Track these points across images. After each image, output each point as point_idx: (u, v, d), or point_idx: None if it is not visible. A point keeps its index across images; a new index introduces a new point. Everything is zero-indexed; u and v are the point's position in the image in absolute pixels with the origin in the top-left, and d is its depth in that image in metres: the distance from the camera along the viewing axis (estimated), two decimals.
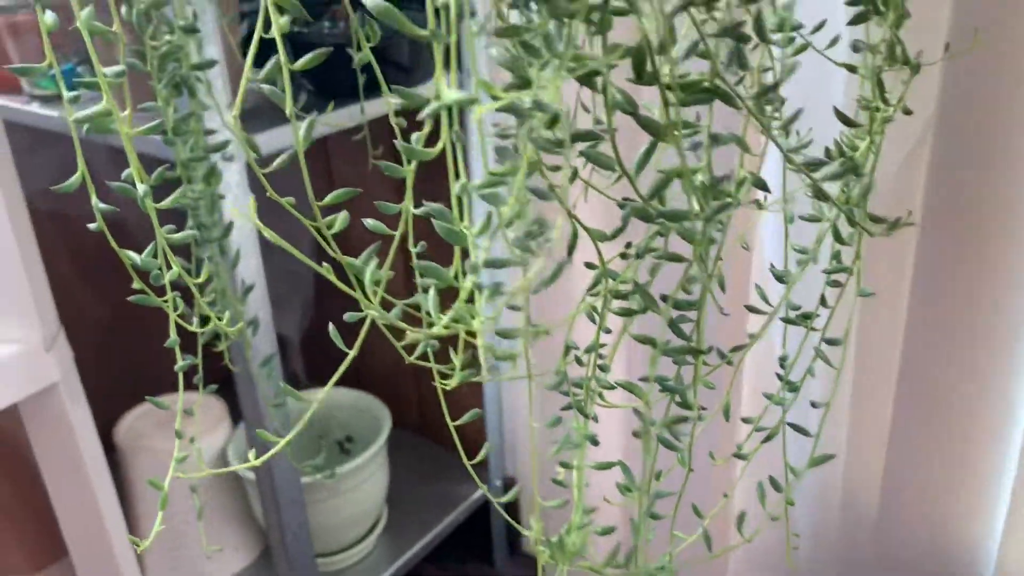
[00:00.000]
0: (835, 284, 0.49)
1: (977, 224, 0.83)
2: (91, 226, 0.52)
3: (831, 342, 0.49)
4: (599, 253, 0.42)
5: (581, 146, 0.39)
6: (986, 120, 0.79)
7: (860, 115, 0.47)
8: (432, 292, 0.32)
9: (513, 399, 1.37)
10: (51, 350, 0.94)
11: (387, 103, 0.49)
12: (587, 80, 0.36)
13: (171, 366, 0.58)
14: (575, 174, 0.40)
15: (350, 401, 1.35)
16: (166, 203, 0.45)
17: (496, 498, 1.26)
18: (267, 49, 0.37)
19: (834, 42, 0.48)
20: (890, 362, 0.95)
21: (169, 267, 0.52)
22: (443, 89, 0.29)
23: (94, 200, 0.51)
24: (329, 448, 1.37)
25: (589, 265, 0.43)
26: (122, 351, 1.32)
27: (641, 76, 0.35)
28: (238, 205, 0.86)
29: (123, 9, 0.68)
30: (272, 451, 0.41)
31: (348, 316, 0.35)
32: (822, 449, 0.54)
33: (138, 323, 1.07)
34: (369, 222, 0.38)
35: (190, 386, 0.64)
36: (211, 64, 0.68)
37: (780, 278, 0.48)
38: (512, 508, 1.41)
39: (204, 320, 0.59)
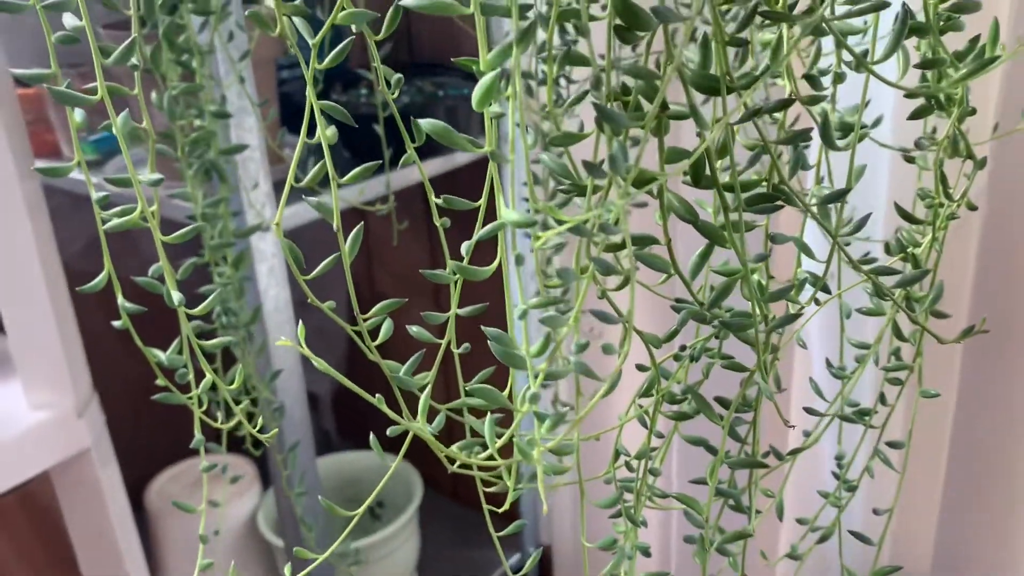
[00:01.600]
0: (895, 382, 0.46)
1: None
2: (116, 324, 0.51)
3: (893, 445, 0.47)
4: (651, 356, 0.40)
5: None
6: None
7: (919, 208, 0.45)
8: (489, 420, 0.30)
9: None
10: (83, 416, 0.93)
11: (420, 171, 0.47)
12: (642, 185, 0.34)
13: (204, 427, 0.57)
14: (627, 279, 0.38)
15: (381, 465, 1.33)
16: (200, 309, 0.43)
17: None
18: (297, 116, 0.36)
19: (877, 122, 0.47)
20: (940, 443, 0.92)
21: (196, 363, 0.51)
22: (503, 210, 0.27)
23: (120, 300, 0.50)
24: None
25: (640, 367, 0.41)
26: (155, 411, 1.32)
27: (699, 181, 0.34)
28: (270, 287, 0.86)
29: (153, 95, 0.68)
30: (308, 569, 0.39)
31: (391, 431, 0.34)
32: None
33: (171, 383, 1.06)
34: (413, 330, 0.37)
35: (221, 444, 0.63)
36: (240, 148, 0.67)
37: (838, 375, 0.46)
38: (545, 572, 1.38)
39: (230, 410, 0.58)
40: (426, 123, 0.29)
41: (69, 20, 0.44)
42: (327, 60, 0.33)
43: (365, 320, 0.34)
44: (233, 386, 0.45)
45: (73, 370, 0.92)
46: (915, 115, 0.41)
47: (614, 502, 0.40)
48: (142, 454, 1.13)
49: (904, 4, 0.31)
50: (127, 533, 1.00)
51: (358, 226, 0.32)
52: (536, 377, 0.28)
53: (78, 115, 0.46)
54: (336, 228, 0.31)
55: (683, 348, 0.40)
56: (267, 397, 0.80)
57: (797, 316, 0.36)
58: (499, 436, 0.31)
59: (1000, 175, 0.77)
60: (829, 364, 0.47)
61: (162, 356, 0.50)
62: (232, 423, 0.57)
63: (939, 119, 0.43)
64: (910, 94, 0.41)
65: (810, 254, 0.36)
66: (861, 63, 0.30)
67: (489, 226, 0.29)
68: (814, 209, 0.34)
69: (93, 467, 0.95)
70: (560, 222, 0.26)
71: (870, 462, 0.49)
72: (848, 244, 0.46)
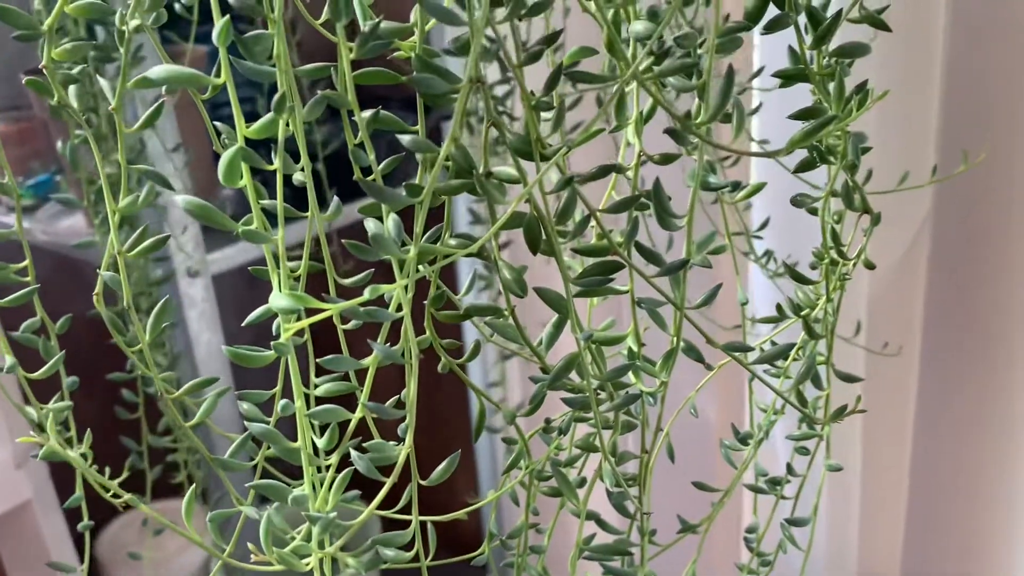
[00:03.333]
0: (803, 452, 0.43)
1: (983, 323, 0.78)
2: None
3: (795, 523, 0.43)
4: (519, 430, 0.37)
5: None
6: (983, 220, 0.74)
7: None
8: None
9: None
10: (22, 467, 0.91)
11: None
12: (479, 255, 0.32)
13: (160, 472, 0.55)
14: (475, 350, 0.36)
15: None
16: (40, 373, 0.41)
17: None
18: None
19: (736, 185, 0.43)
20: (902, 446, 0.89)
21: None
22: (273, 295, 0.25)
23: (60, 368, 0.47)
24: None
25: (507, 441, 0.38)
26: (103, 458, 1.29)
27: (535, 248, 0.31)
28: (201, 332, 0.83)
29: (58, 144, 0.65)
30: None
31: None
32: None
33: (124, 426, 1.04)
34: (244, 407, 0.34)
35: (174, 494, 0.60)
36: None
37: (743, 441, 0.43)
38: None
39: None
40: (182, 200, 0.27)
41: None
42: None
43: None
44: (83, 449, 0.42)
45: (10, 421, 0.90)
46: (800, 168, 0.38)
47: None
48: (94, 502, 1.11)
49: (730, 66, 0.28)
50: None
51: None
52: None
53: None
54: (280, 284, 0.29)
55: (548, 421, 0.37)
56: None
57: (635, 398, 0.33)
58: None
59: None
60: (735, 431, 0.44)
61: (33, 414, 0.47)
62: (120, 478, 0.54)
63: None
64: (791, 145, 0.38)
65: (661, 324, 0.34)
66: (682, 124, 0.27)
67: (257, 311, 0.27)
68: (655, 281, 0.31)
69: (35, 518, 0.93)
70: (319, 309, 0.23)
71: (783, 540, 0.45)
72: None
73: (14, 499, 0.91)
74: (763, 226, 0.58)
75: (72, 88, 0.31)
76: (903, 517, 0.93)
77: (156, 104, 0.31)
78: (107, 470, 0.54)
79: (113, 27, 0.28)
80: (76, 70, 0.30)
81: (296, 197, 0.31)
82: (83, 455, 0.51)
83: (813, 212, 0.41)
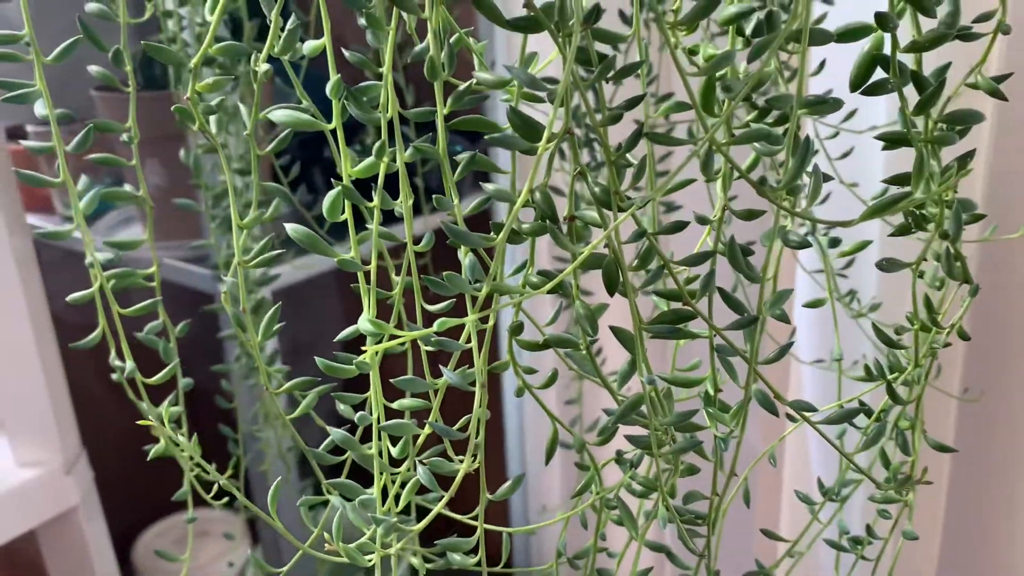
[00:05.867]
0: (884, 515, 0.43)
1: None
2: (113, 376, 0.51)
3: None
4: (591, 457, 0.39)
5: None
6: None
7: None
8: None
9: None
10: (71, 473, 0.93)
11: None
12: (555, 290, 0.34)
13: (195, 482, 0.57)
14: (552, 378, 0.37)
15: None
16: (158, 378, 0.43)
17: None
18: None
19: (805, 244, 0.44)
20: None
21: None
22: (362, 319, 0.27)
23: (113, 358, 0.50)
24: None
25: (580, 466, 0.40)
26: (143, 465, 1.31)
27: (612, 290, 0.33)
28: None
29: (181, 152, 0.68)
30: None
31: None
32: None
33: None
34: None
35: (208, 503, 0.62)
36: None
37: (825, 495, 0.43)
38: None
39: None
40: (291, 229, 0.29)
41: (39, 109, 0.44)
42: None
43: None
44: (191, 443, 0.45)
45: (61, 426, 0.92)
46: (895, 234, 0.38)
47: None
48: (130, 508, 1.13)
49: (807, 136, 0.29)
50: None
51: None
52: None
53: (81, 183, 0.46)
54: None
55: (620, 453, 0.39)
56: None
57: (696, 443, 0.34)
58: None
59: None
60: (821, 485, 0.44)
61: (157, 412, 0.50)
62: (226, 475, 0.57)
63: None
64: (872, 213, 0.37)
65: (733, 376, 0.35)
66: (758, 190, 0.29)
67: (346, 331, 0.29)
68: (723, 336, 0.32)
69: (80, 524, 0.95)
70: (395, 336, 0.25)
71: None
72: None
73: (62, 505, 0.93)
74: (847, 266, 0.57)
75: (213, 117, 0.33)
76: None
77: (285, 133, 0.33)
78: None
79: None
80: (215, 100, 0.33)
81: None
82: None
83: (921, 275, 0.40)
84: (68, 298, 0.42)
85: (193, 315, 0.65)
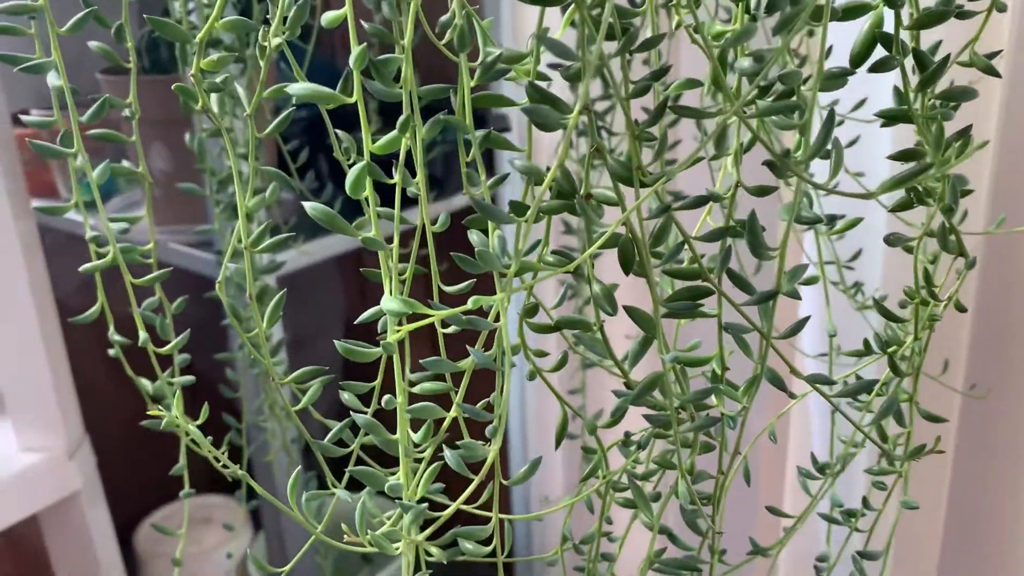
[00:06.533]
0: (880, 487, 0.44)
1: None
2: (111, 352, 0.51)
3: (867, 556, 0.44)
4: (599, 441, 0.39)
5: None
6: None
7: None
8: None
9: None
10: (74, 458, 0.93)
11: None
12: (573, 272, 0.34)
13: (196, 466, 0.57)
14: (563, 361, 0.37)
15: None
16: (168, 348, 0.43)
17: None
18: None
19: (833, 219, 0.44)
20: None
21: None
22: (385, 298, 0.27)
23: (111, 333, 0.50)
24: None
25: (587, 450, 0.40)
26: (146, 451, 1.32)
27: (627, 269, 0.33)
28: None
29: (187, 136, 0.68)
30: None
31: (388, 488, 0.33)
32: None
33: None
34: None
35: (213, 488, 0.62)
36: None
37: (821, 470, 0.44)
38: None
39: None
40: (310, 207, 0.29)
41: (52, 79, 0.44)
42: None
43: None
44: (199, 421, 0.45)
45: (65, 412, 0.92)
46: (896, 208, 0.39)
47: None
48: (133, 495, 1.13)
49: (832, 109, 0.29)
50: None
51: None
52: None
53: (79, 159, 0.46)
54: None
55: (627, 435, 0.39)
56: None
57: (716, 420, 0.34)
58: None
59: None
60: (814, 459, 0.45)
61: (149, 386, 0.50)
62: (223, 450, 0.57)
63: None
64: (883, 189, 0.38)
65: (747, 351, 0.35)
66: (782, 162, 0.28)
67: (369, 311, 0.29)
68: (748, 307, 0.32)
69: (82, 509, 0.95)
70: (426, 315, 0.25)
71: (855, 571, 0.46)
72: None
73: (65, 490, 0.93)
74: (855, 257, 0.58)
75: (214, 95, 0.33)
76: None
77: (286, 113, 0.33)
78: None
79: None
80: (220, 79, 0.32)
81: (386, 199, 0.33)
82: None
83: (908, 251, 0.42)
84: (80, 268, 0.43)
85: (199, 300, 0.65)
